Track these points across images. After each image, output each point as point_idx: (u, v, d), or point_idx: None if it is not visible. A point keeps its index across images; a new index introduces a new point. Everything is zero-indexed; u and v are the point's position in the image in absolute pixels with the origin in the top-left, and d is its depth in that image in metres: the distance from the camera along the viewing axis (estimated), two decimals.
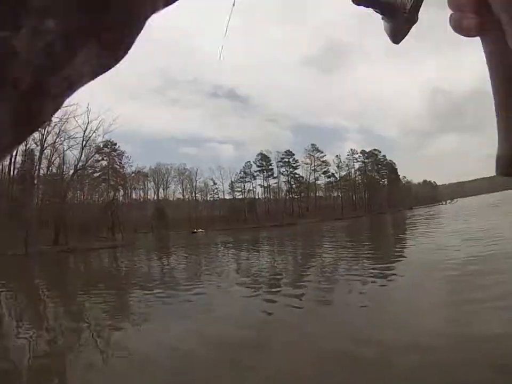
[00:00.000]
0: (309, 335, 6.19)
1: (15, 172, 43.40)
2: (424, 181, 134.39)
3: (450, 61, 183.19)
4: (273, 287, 11.25)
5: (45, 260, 29.40)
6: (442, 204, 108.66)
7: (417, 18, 0.40)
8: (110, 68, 0.25)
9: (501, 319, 5.65)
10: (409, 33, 0.41)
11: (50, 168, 44.24)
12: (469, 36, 0.36)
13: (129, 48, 0.24)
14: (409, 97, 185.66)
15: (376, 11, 0.38)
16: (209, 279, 13.69)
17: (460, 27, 0.34)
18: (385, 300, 8.13)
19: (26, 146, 43.03)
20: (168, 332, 7.19)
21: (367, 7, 0.38)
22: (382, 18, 0.39)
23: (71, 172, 44.40)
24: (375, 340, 5.52)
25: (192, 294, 10.79)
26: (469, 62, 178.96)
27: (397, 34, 0.41)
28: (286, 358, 5.35)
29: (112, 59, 0.24)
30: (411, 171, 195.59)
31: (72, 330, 8.20)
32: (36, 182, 43.02)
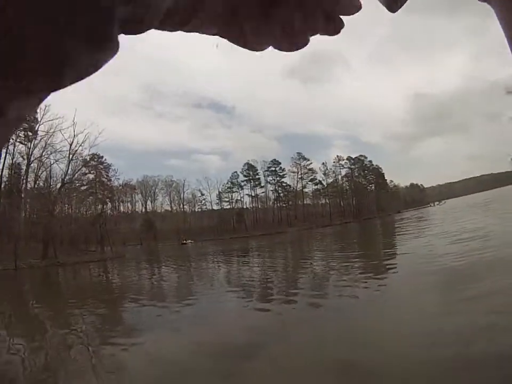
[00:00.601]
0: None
1: (2, 186, 42.92)
2: (412, 184, 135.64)
3: (431, 65, 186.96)
4: (261, 301, 11.19)
5: (35, 274, 29.19)
6: (430, 206, 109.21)
7: None
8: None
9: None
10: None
11: (37, 182, 44.06)
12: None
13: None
14: (393, 102, 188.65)
15: None
16: (200, 292, 13.87)
17: None
18: (372, 315, 7.83)
19: (13, 160, 42.88)
20: (159, 345, 7.39)
21: None
22: None
23: (58, 185, 44.15)
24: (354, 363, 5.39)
25: (183, 307, 11.03)
26: (449, 64, 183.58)
27: (393, 1, 0.37)
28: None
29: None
30: (398, 175, 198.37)
31: (62, 345, 8.34)
32: (23, 195, 42.73)
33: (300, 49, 0.38)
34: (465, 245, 14.47)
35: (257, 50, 0.37)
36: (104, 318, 11.21)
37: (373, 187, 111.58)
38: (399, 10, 0.38)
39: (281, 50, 0.37)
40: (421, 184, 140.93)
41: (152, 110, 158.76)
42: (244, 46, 0.36)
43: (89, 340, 8.74)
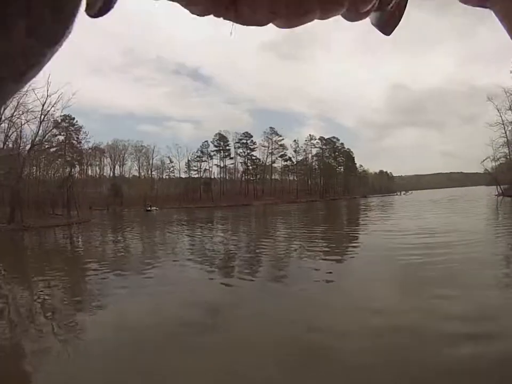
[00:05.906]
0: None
1: None
2: (381, 171, 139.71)
3: (414, 59, 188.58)
4: (224, 274, 11.83)
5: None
6: (397, 195, 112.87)
7: (406, 4, 0.32)
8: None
9: None
10: (399, 23, 0.32)
11: (6, 143, 43.69)
12: (480, 7, 0.30)
13: None
14: (370, 90, 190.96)
15: None
16: (163, 259, 14.85)
17: None
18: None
19: None
20: (122, 312, 7.93)
21: None
22: None
23: (28, 147, 43.90)
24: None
25: (147, 274, 11.67)
26: (433, 62, 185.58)
27: (386, 25, 0.32)
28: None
29: None
30: (368, 161, 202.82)
31: (26, 312, 8.71)
32: None
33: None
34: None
35: (253, 25, 0.24)
36: (60, 281, 11.57)
37: (342, 169, 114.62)
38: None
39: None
40: (390, 173, 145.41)
41: (130, 73, 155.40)
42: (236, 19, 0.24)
43: (44, 300, 9.40)
